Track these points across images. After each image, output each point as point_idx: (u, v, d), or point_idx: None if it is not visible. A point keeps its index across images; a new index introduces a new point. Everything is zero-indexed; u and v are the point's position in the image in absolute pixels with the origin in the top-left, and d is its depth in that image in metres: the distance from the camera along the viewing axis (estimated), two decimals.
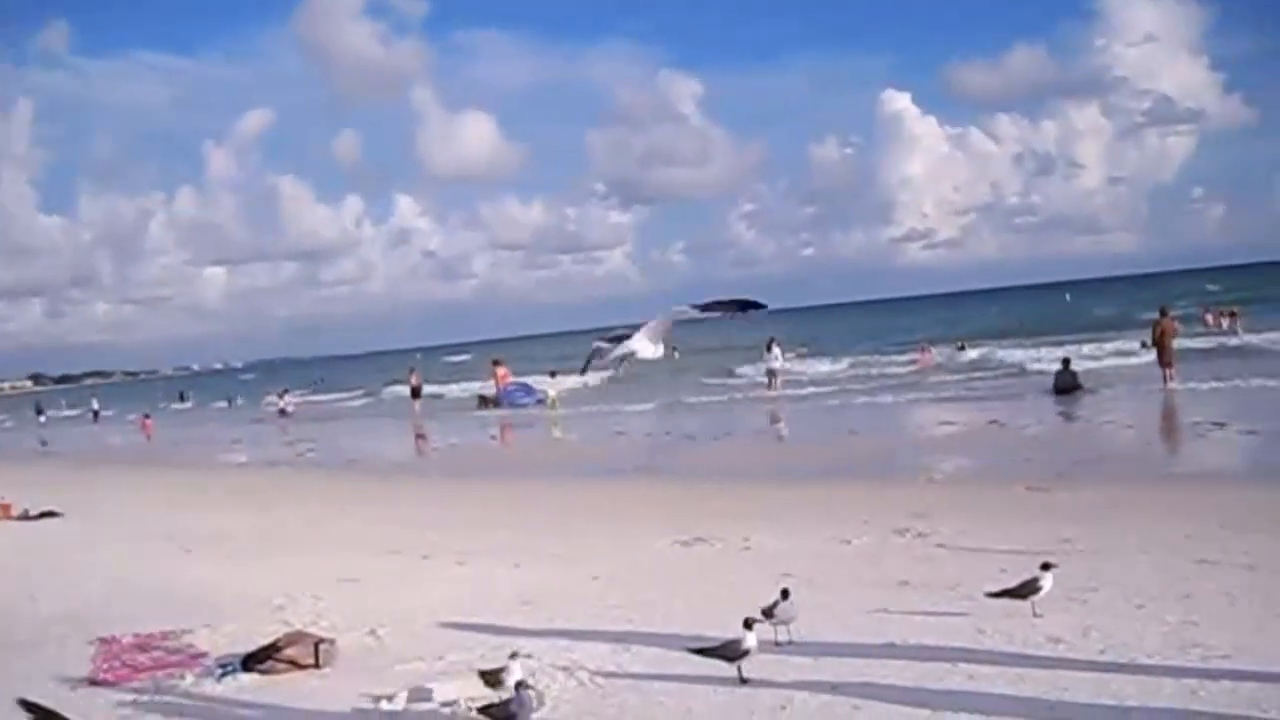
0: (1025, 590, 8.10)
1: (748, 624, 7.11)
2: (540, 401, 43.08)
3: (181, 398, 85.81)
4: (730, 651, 7.09)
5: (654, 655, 7.97)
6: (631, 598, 10.04)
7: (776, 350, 41.09)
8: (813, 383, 43.88)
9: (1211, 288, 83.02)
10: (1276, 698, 6.28)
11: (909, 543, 12.00)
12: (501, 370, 46.58)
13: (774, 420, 33.15)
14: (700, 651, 7.25)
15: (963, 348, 51.71)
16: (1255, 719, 6.03)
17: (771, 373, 41.16)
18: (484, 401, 45.62)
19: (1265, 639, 7.39)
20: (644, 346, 8.22)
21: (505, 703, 6.34)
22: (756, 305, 7.65)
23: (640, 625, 8.90)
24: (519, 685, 6.39)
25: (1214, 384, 29.18)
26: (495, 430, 36.56)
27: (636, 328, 8.20)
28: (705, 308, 7.60)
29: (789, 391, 40.13)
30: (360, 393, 68.45)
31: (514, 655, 7.01)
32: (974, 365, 46.36)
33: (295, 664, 8.20)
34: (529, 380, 46.36)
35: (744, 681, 7.06)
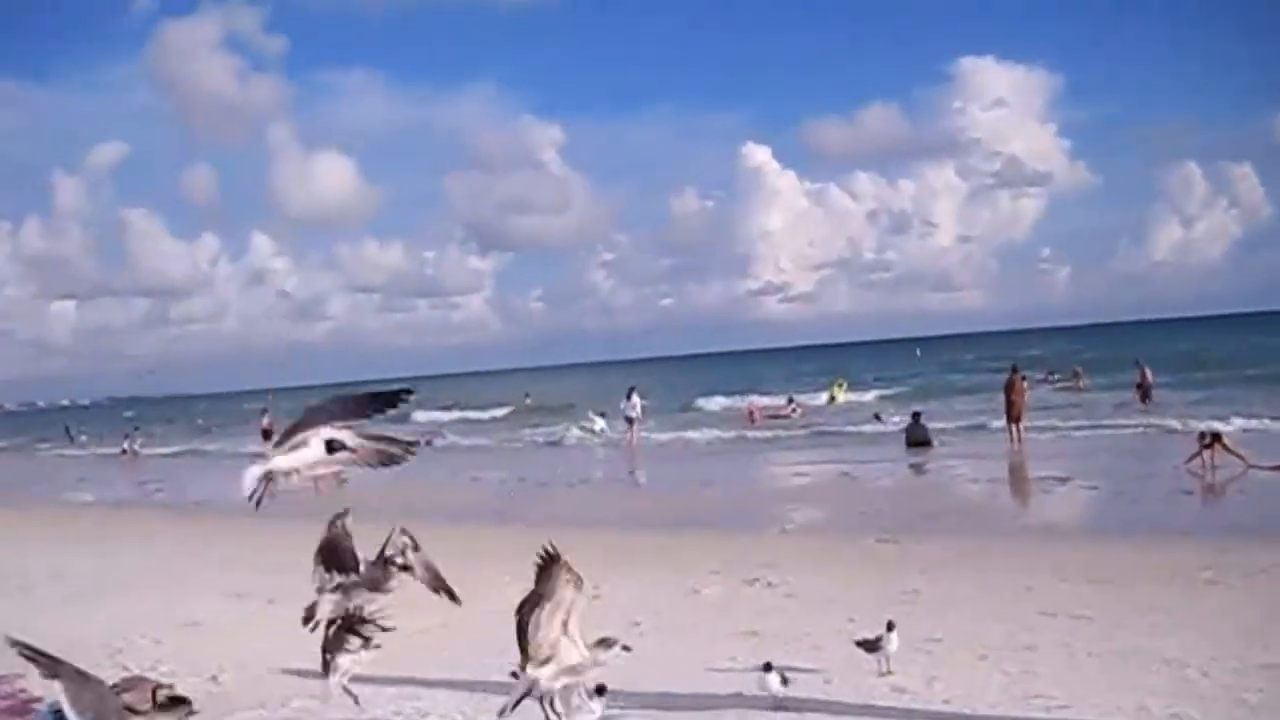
0: (872, 646, 8.16)
1: (600, 690, 6.69)
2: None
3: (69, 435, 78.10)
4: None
5: (502, 705, 7.86)
6: (480, 646, 9.90)
7: (635, 399, 41.13)
8: (664, 430, 43.99)
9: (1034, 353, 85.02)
10: None
11: (759, 592, 12.03)
12: None
13: (626, 468, 33.19)
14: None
15: (833, 399, 52.54)
16: None
17: (629, 421, 41.18)
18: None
19: (1102, 689, 7.54)
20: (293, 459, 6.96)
21: None
22: (393, 401, 6.83)
23: (488, 674, 8.76)
24: None
25: (1058, 441, 29.99)
26: (346, 473, 35.91)
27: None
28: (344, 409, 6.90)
29: (646, 438, 40.15)
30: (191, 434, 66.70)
31: None
32: (836, 412, 47.31)
33: (132, 711, 7.92)
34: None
35: None
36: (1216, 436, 22.24)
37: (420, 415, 59.40)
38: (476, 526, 20.23)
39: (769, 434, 39.42)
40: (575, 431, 44.94)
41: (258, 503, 6.75)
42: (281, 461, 6.70)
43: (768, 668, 7.10)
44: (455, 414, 64.89)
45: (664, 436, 40.67)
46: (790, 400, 50.75)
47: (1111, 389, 45.88)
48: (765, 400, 51.50)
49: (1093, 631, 9.37)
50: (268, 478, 6.71)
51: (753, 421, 44.93)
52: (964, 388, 57.03)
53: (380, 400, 6.77)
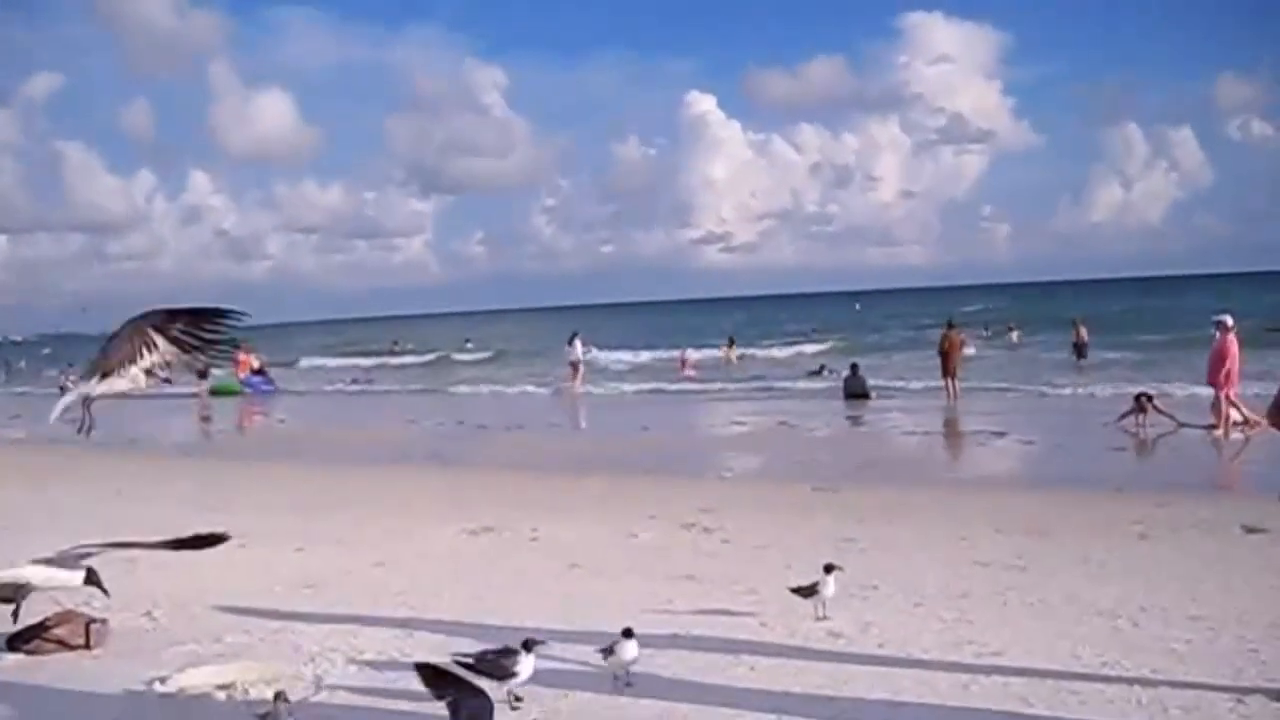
0: (808, 592, 8.17)
1: (527, 645, 6.35)
2: (271, 388, 44.33)
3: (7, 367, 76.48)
4: (499, 670, 6.31)
5: (437, 642, 7.83)
6: (416, 584, 9.87)
7: (578, 343, 41.12)
8: (610, 379, 43.99)
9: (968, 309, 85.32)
10: (1043, 692, 6.47)
11: (695, 537, 12.05)
12: (243, 357, 45.57)
13: (567, 413, 33.20)
14: (467, 667, 6.37)
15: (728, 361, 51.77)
16: (1023, 714, 6.19)
17: (573, 365, 41.17)
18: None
19: (1034, 637, 7.61)
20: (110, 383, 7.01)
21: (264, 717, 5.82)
22: (225, 316, 6.85)
23: (424, 612, 8.74)
24: (277, 696, 5.90)
25: (994, 398, 30.29)
26: (282, 414, 35.68)
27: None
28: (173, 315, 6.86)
29: (590, 387, 40.13)
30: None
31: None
32: (773, 363, 47.49)
33: (64, 644, 7.83)
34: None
35: (516, 703, 6.42)
36: (1149, 398, 22.52)
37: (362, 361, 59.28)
38: (414, 469, 20.17)
39: (705, 386, 39.34)
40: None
41: (88, 431, 6.93)
42: (97, 389, 6.92)
43: (628, 633, 6.74)
44: (393, 359, 64.50)
45: (597, 388, 40.60)
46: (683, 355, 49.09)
47: (1049, 348, 46.35)
48: (696, 354, 50.68)
49: (1026, 581, 9.46)
50: (86, 404, 7.04)
51: (683, 369, 44.92)
52: (902, 342, 57.46)
53: (204, 319, 6.85)
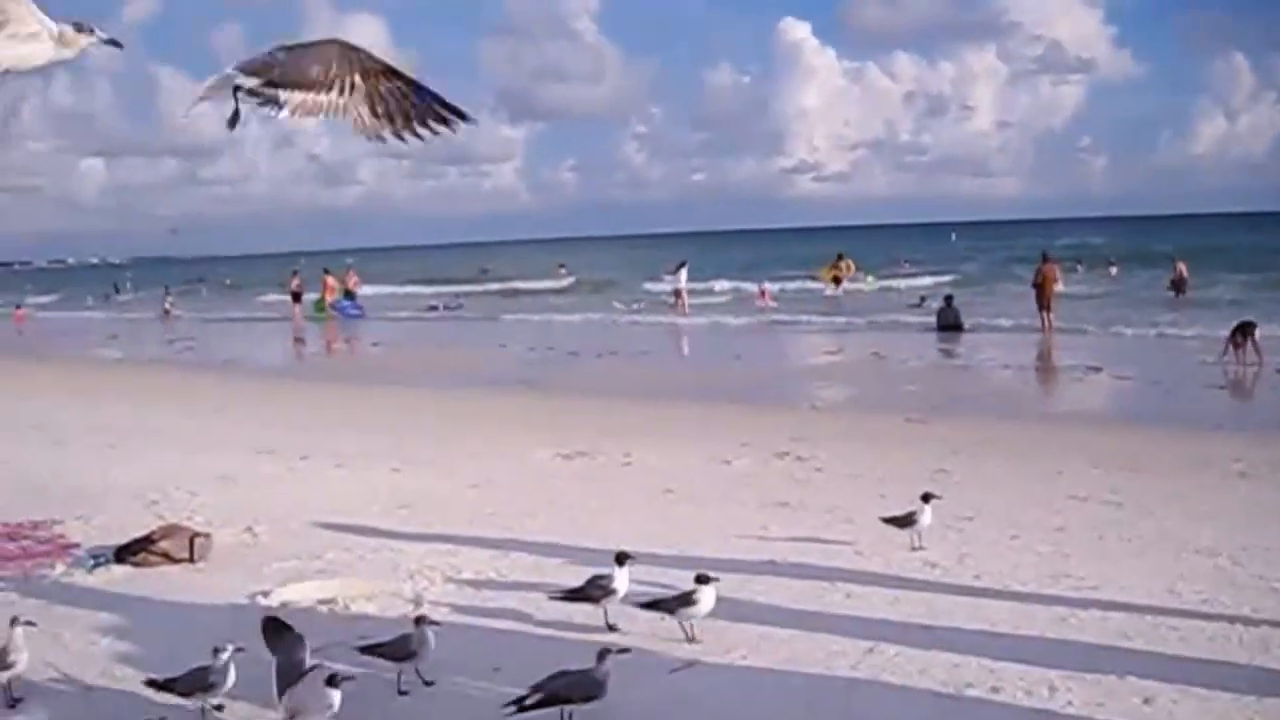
0: (905, 522, 8.18)
1: (620, 559, 6.48)
2: (360, 312, 44.60)
3: (116, 290, 75.28)
4: (594, 592, 6.48)
5: (532, 563, 7.97)
6: (511, 506, 10.01)
7: (683, 273, 41.22)
8: (708, 306, 43.81)
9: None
10: (1143, 628, 6.46)
11: (789, 465, 12.09)
12: (330, 281, 46.17)
13: (662, 339, 33.25)
14: (563, 597, 6.60)
15: (837, 281, 50.62)
16: (1122, 648, 6.18)
17: (677, 293, 41.20)
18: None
19: (1132, 573, 7.57)
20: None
21: (404, 638, 5.70)
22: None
23: (519, 534, 8.87)
24: (419, 620, 5.79)
25: (1090, 333, 29.83)
26: (374, 339, 36.06)
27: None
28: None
29: (693, 316, 40.00)
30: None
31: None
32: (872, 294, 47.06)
33: (169, 557, 8.05)
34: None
35: (611, 629, 6.49)
36: (1248, 329, 21.90)
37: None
38: (506, 393, 20.35)
39: (797, 316, 38.93)
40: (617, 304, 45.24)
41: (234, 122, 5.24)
42: (249, 83, 5.35)
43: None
44: (490, 285, 64.31)
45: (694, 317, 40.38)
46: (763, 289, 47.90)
47: (1148, 284, 45.47)
48: (773, 285, 49.78)
49: (1123, 517, 9.39)
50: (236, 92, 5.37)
51: (762, 298, 44.69)
52: (998, 274, 56.58)
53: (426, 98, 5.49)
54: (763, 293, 45.97)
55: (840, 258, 51.18)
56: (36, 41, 5.13)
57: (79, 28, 5.20)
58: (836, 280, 49.12)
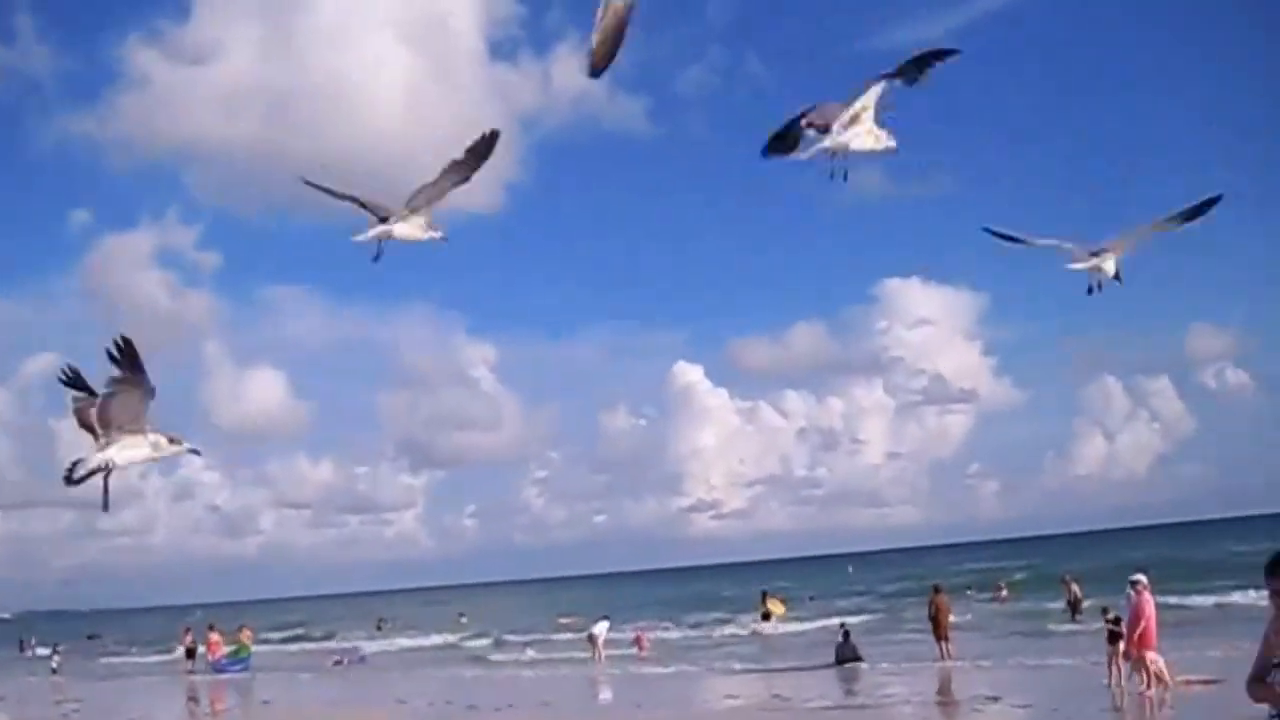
0: None
1: None
2: (245, 670, 43.64)
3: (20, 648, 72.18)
4: None
5: None
6: None
7: (604, 624, 41.21)
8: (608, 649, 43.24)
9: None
10: None
11: None
12: (214, 638, 46.17)
13: (568, 690, 32.71)
14: None
15: (766, 616, 50.72)
16: None
17: (592, 639, 40.92)
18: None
19: None
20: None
21: None
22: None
23: None
24: None
25: (988, 660, 30.03)
26: (272, 694, 35.05)
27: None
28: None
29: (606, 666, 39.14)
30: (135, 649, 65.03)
31: None
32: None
33: None
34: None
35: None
36: (1117, 621, 21.77)
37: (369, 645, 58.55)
38: None
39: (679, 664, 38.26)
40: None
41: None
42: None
43: None
44: (385, 642, 62.69)
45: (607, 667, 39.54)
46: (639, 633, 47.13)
47: (1039, 605, 46.10)
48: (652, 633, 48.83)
49: None
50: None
51: (641, 650, 43.32)
52: (894, 604, 56.99)
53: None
54: (639, 640, 45.03)
55: (765, 597, 52.15)
56: (138, 449, 7.34)
57: (172, 440, 7.41)
58: (766, 617, 49.60)
